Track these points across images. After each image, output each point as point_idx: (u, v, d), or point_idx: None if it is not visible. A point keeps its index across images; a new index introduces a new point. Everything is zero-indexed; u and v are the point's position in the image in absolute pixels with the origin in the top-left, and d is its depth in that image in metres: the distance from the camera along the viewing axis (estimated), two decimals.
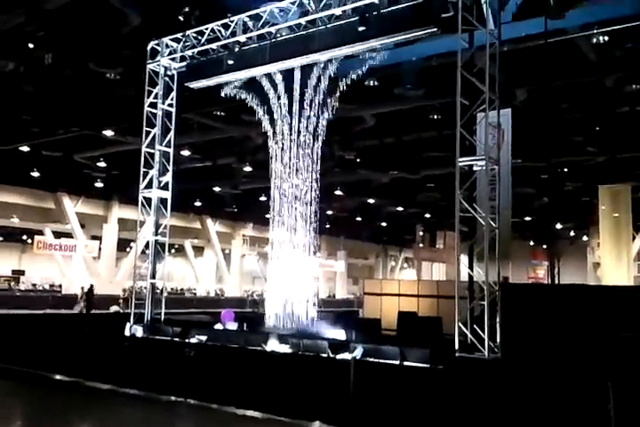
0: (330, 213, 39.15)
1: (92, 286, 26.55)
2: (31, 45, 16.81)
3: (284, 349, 11.19)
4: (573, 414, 6.99)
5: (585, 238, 44.18)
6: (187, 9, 12.97)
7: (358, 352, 10.25)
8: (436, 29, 10.35)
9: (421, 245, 48.75)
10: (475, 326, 9.51)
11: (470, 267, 10.06)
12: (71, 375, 11.91)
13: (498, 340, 9.48)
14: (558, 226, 39.34)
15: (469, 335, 9.52)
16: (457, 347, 9.54)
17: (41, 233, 39.14)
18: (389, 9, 10.76)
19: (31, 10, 13.87)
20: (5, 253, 53.13)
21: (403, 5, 10.64)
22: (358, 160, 27.71)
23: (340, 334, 12.74)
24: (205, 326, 14.36)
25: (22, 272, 49.61)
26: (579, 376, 7.86)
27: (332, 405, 8.53)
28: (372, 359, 9.94)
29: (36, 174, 30.89)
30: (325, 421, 8.42)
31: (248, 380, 9.63)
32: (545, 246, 47.43)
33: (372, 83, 17.15)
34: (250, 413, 9.21)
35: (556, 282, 39.48)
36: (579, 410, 6.97)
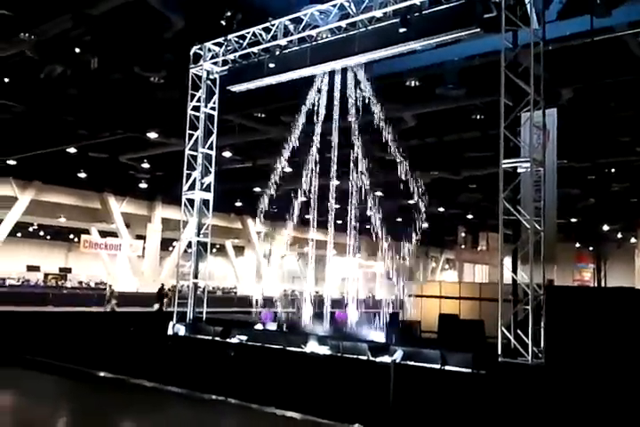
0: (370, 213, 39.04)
1: (162, 285, 26.98)
2: (78, 50, 17.23)
3: (324, 350, 11.21)
4: (619, 422, 6.82)
5: (633, 240, 42.99)
6: (229, 13, 13.11)
7: (398, 355, 10.19)
8: (478, 30, 10.21)
9: (463, 246, 48.14)
10: (518, 331, 9.35)
11: (514, 270, 9.89)
12: (116, 373, 12.18)
13: (542, 345, 9.31)
14: (605, 228, 38.32)
15: (512, 340, 9.37)
16: (500, 352, 9.40)
17: (87, 232, 40.14)
18: (430, 10, 10.68)
19: (77, 15, 14.20)
20: (53, 252, 54.68)
21: (444, 6, 10.55)
22: (399, 161, 27.51)
23: (379, 336, 12.69)
24: (246, 326, 14.50)
25: (69, 270, 50.92)
26: (625, 384, 7.66)
27: (372, 408, 8.50)
28: (412, 363, 9.86)
29: (82, 175, 31.70)
30: (365, 424, 8.40)
31: (288, 381, 9.68)
32: (591, 249, 46.27)
33: (413, 83, 17.04)
34: (289, 413, 9.27)
35: (603, 285, 38.47)
36: (625, 418, 6.80)
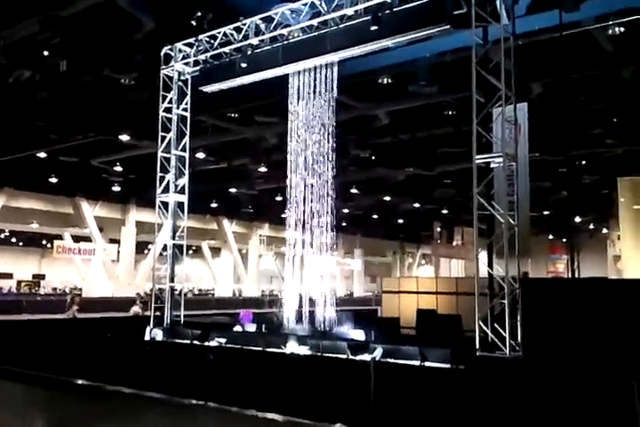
0: (346, 211, 39.10)
1: (180, 291, 26.69)
2: (46, 53, 16.96)
3: (304, 350, 11.19)
4: (598, 413, 6.90)
5: (605, 231, 43.68)
6: (199, 13, 13.00)
7: (378, 353, 10.22)
8: (449, 26, 10.26)
9: (439, 241, 48.51)
10: (495, 325, 9.43)
11: (490, 264, 9.97)
12: (93, 380, 12.00)
13: (519, 338, 9.39)
14: (577, 219, 38.91)
15: (490, 334, 9.45)
16: (477, 346, 9.47)
17: (60, 238, 39.58)
18: (401, 7, 10.70)
19: (45, 18, 13.97)
20: (26, 258, 53.80)
21: (414, 4, 10.57)
22: (373, 158, 27.64)
23: (358, 333, 12.71)
24: (225, 328, 14.40)
25: (43, 276, 50.20)
26: (602, 375, 7.76)
27: (353, 407, 8.50)
28: (392, 360, 9.90)
29: (53, 180, 31.22)
30: (347, 423, 8.37)
31: (268, 382, 9.62)
32: (564, 240, 46.96)
33: (385, 80, 17.09)
34: (270, 415, 9.20)
35: (577, 276, 39.07)
36: (603, 410, 6.88)
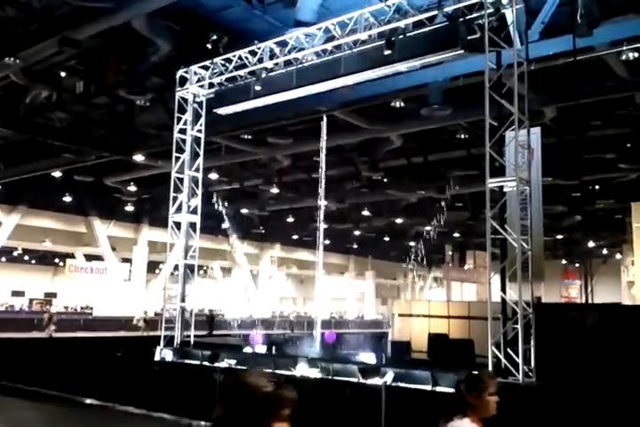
0: (357, 233, 39.07)
1: (211, 311, 26.94)
2: (63, 74, 17.26)
3: (314, 373, 11.09)
4: None
5: (618, 257, 43.25)
6: (214, 37, 13.19)
7: (389, 377, 10.11)
8: (462, 51, 10.33)
9: (450, 264, 48.21)
10: (508, 349, 9.31)
11: (503, 288, 9.88)
12: (103, 399, 11.94)
13: (532, 363, 9.26)
14: (591, 244, 38.59)
15: (503, 359, 9.33)
16: (490, 371, 9.33)
17: (73, 256, 39.73)
18: (415, 32, 10.80)
19: (63, 40, 14.24)
20: (38, 276, 53.99)
21: (428, 28, 10.68)
22: (385, 180, 27.67)
23: (369, 357, 12.60)
24: (235, 349, 14.33)
25: (54, 295, 50.29)
26: (617, 402, 7.61)
27: None
28: (403, 384, 9.78)
29: (68, 199, 31.48)
30: None
31: None
32: (577, 265, 46.54)
33: (398, 104, 17.18)
34: None
35: (590, 301, 38.60)
36: None
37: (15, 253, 47.80)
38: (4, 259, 46.05)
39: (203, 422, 10.15)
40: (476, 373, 3.45)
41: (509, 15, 10.05)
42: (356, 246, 47.17)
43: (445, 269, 49.44)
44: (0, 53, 14.57)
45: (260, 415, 1.80)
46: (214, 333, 26.96)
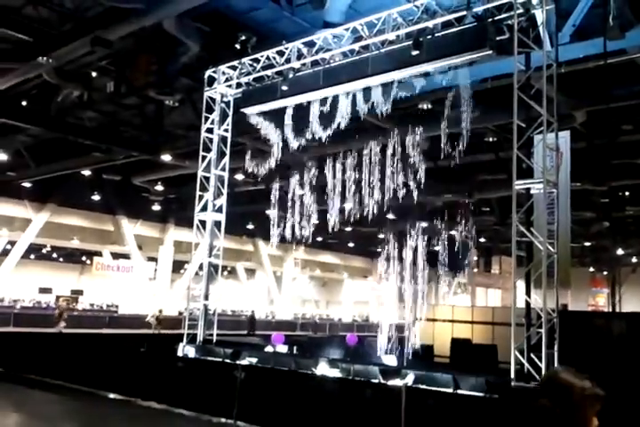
0: (381, 236, 38.95)
1: (253, 312, 27.48)
2: (94, 74, 17.53)
3: (335, 373, 11.06)
4: None
5: None
6: (243, 37, 13.29)
7: (410, 379, 10.03)
8: (490, 52, 10.25)
9: (476, 270, 47.77)
10: (532, 355, 9.19)
11: (528, 293, 9.75)
12: (126, 394, 12.07)
13: None
14: (619, 252, 37.90)
15: (526, 364, 9.20)
16: (513, 376, 9.23)
17: (100, 254, 40.27)
18: (443, 33, 10.76)
19: (95, 40, 14.46)
20: (65, 274, 54.83)
21: (456, 29, 10.62)
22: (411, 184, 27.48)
23: (391, 359, 12.53)
24: (256, 349, 14.37)
25: (81, 292, 50.98)
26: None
27: None
28: (423, 386, 9.70)
29: (96, 197, 31.93)
30: None
31: (298, 403, 9.54)
32: (605, 273, 45.74)
33: (425, 106, 17.10)
34: None
35: (618, 310, 37.91)
36: None
37: (44, 251, 48.60)
38: (32, 256, 46.83)
39: (223, 419, 10.19)
40: None
41: (539, 16, 9.93)
42: (379, 250, 47.00)
43: (470, 275, 49.04)
44: (33, 53, 14.86)
45: (586, 411, 2.07)
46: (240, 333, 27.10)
